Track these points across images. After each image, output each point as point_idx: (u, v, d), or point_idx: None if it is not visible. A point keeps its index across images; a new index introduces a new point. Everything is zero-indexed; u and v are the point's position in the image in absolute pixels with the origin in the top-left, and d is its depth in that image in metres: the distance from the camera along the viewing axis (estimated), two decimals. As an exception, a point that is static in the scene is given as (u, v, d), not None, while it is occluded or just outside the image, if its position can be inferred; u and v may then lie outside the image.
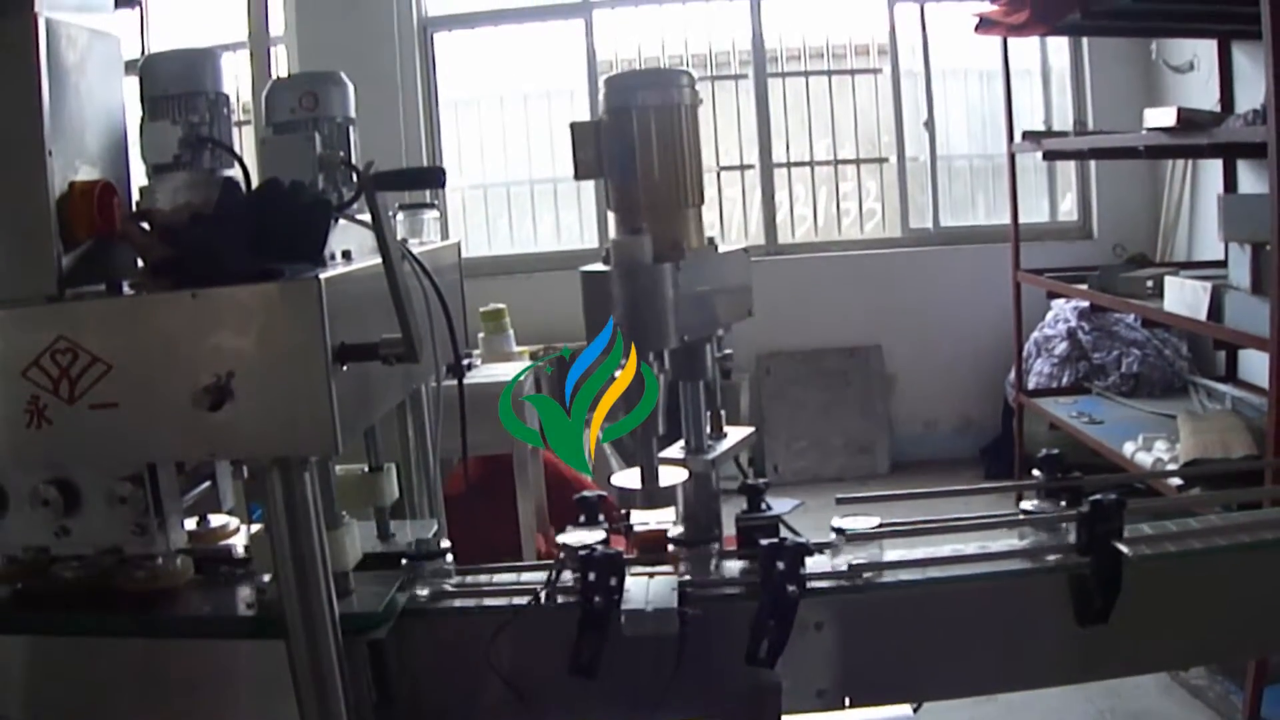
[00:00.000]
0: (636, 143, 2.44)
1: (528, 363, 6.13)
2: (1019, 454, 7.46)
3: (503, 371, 5.71)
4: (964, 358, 8.63)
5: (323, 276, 1.97)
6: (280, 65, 8.02)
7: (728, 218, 9.07)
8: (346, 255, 2.39)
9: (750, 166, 8.99)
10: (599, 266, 2.43)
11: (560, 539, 2.50)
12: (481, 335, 6.40)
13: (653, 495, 2.46)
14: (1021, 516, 2.58)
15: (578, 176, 2.49)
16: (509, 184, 9.10)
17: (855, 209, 9.20)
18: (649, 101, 2.44)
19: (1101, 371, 7.42)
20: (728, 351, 2.64)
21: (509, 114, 9.09)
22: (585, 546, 2.36)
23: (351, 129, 2.64)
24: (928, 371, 8.71)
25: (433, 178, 2.34)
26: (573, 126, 2.47)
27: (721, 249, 2.59)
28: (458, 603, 2.44)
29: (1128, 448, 5.86)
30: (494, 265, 8.59)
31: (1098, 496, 2.44)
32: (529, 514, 5.40)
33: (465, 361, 5.57)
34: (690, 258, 2.44)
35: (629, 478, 2.50)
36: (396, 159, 7.49)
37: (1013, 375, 7.78)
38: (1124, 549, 2.37)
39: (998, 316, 7.88)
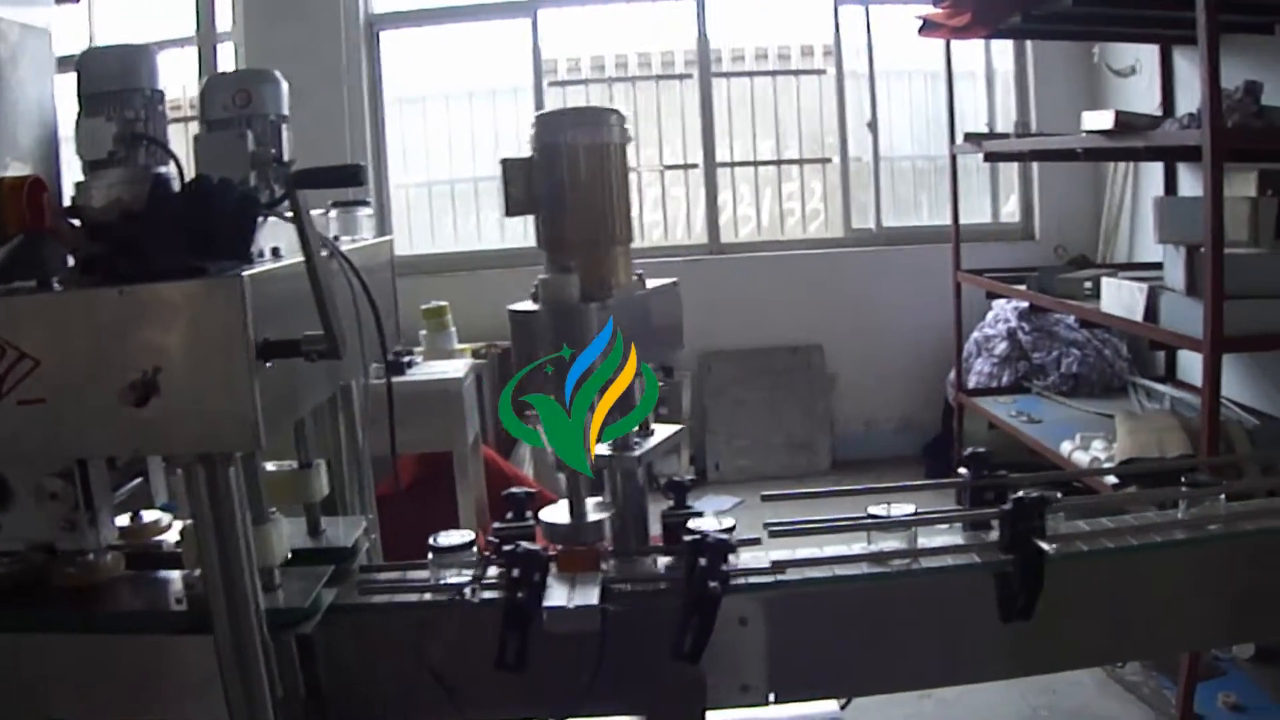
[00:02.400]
0: (566, 181, 2.47)
1: (469, 360, 6.14)
2: (958, 453, 7.51)
3: (443, 369, 5.72)
4: (905, 357, 8.69)
5: (246, 274, 1.97)
6: (228, 62, 8.01)
7: (672, 218, 9.09)
8: (276, 252, 2.39)
9: (694, 166, 9.00)
10: (528, 305, 2.46)
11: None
12: (423, 333, 6.41)
13: (581, 530, 2.48)
14: (950, 513, 2.61)
15: (508, 213, 2.52)
16: (453, 181, 9.08)
17: (799, 209, 9.23)
18: (579, 140, 2.47)
19: (1041, 371, 7.49)
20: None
21: (454, 112, 9.08)
22: (510, 542, 2.37)
23: (284, 126, 2.65)
24: (869, 370, 8.76)
25: (351, 175, 2.35)
26: (503, 163, 2.50)
27: (650, 284, 2.61)
28: (384, 598, 2.46)
29: (1065, 447, 5.91)
30: (437, 263, 8.59)
31: (1020, 494, 2.47)
32: (470, 511, 5.41)
33: (406, 359, 5.60)
34: (618, 295, 2.47)
35: (556, 512, 2.52)
36: (341, 156, 7.49)
37: (953, 375, 7.84)
38: (1046, 546, 2.41)
39: (939, 316, 7.92)
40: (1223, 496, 2.76)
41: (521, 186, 2.49)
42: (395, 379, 5.34)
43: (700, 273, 8.26)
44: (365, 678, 2.44)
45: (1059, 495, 2.54)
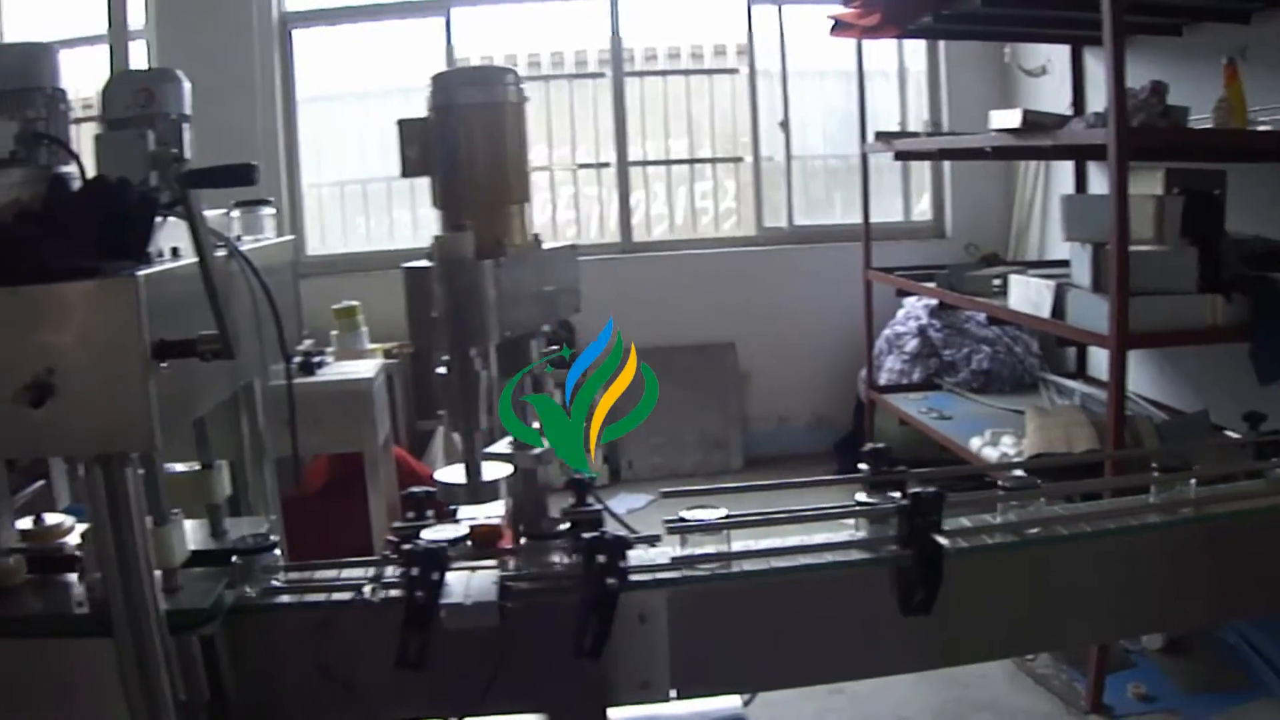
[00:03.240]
0: (460, 140, 2.47)
1: (380, 360, 6.12)
2: (868, 449, 7.53)
3: (354, 369, 5.70)
4: (817, 355, 8.75)
5: (141, 274, 1.96)
6: (140, 60, 7.94)
7: (585, 216, 9.07)
8: (175, 252, 2.37)
9: (607, 165, 9.00)
10: (422, 263, 2.46)
11: (424, 534, 2.52)
12: (335, 333, 6.38)
13: (477, 490, 2.48)
14: (846, 509, 2.64)
15: (404, 174, 2.52)
16: (366, 181, 9.02)
17: (712, 208, 9.27)
18: (473, 99, 2.47)
19: (952, 368, 7.55)
20: (553, 348, 2.67)
21: (367, 111, 9.02)
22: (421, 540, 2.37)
23: (185, 126, 2.63)
24: (781, 368, 8.80)
25: (244, 175, 2.35)
26: (400, 124, 2.51)
27: (547, 246, 2.62)
28: (286, 598, 2.45)
29: (974, 443, 5.97)
30: (350, 262, 8.53)
31: (917, 490, 2.50)
32: (381, 512, 5.39)
33: (317, 359, 5.57)
34: (513, 254, 2.47)
35: (453, 473, 2.53)
36: (253, 155, 7.37)
37: (864, 372, 7.89)
38: (943, 541, 2.43)
39: (851, 314, 8.00)
40: (1193, 481, 2.82)
41: (417, 147, 2.50)
42: (305, 379, 5.35)
43: (614, 271, 8.28)
44: (269, 678, 2.43)
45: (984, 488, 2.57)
